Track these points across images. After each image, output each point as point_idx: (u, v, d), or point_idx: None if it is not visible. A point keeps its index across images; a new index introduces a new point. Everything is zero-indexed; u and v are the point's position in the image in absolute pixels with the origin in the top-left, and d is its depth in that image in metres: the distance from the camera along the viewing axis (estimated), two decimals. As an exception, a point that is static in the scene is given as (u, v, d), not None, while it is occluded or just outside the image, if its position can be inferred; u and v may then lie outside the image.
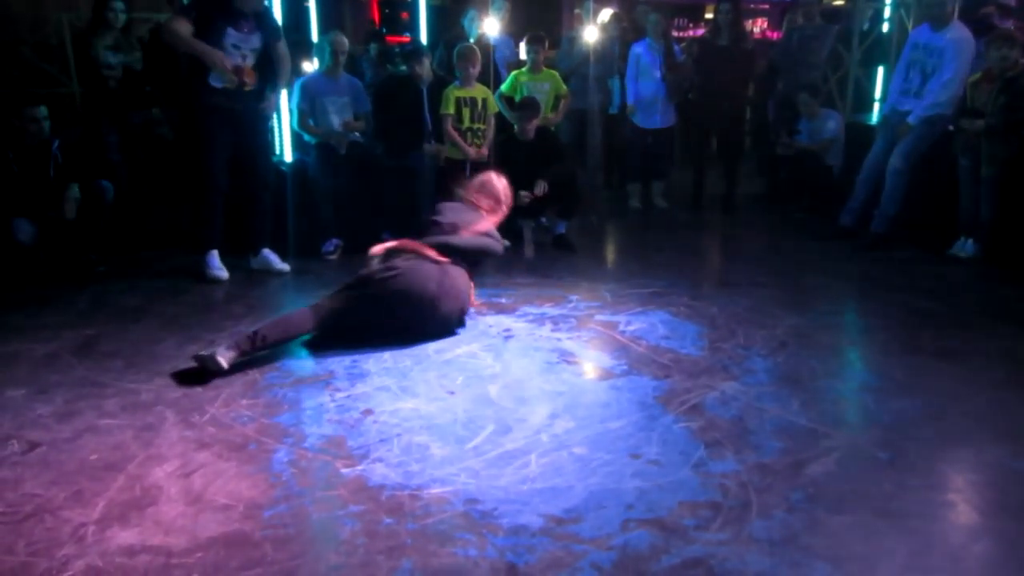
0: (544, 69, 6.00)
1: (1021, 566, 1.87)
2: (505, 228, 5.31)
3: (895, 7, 6.63)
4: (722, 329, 3.60)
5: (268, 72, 4.37)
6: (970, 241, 4.87)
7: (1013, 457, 2.40)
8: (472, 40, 6.03)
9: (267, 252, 4.64)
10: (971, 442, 2.53)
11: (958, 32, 4.89)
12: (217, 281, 4.37)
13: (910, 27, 6.12)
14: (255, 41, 4.26)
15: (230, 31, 4.12)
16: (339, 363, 3.22)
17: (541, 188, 5.11)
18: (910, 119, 4.96)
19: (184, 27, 3.99)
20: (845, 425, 2.62)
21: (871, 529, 2.02)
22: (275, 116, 5.20)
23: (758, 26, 12.02)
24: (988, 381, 3.02)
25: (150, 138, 5.66)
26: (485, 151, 5.30)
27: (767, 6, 12.35)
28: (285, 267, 4.65)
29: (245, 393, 2.90)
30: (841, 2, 9.33)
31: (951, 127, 4.98)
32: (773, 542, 1.96)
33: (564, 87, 6.02)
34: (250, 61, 4.26)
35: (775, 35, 10.74)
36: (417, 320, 3.41)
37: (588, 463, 2.37)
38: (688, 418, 2.68)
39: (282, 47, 4.43)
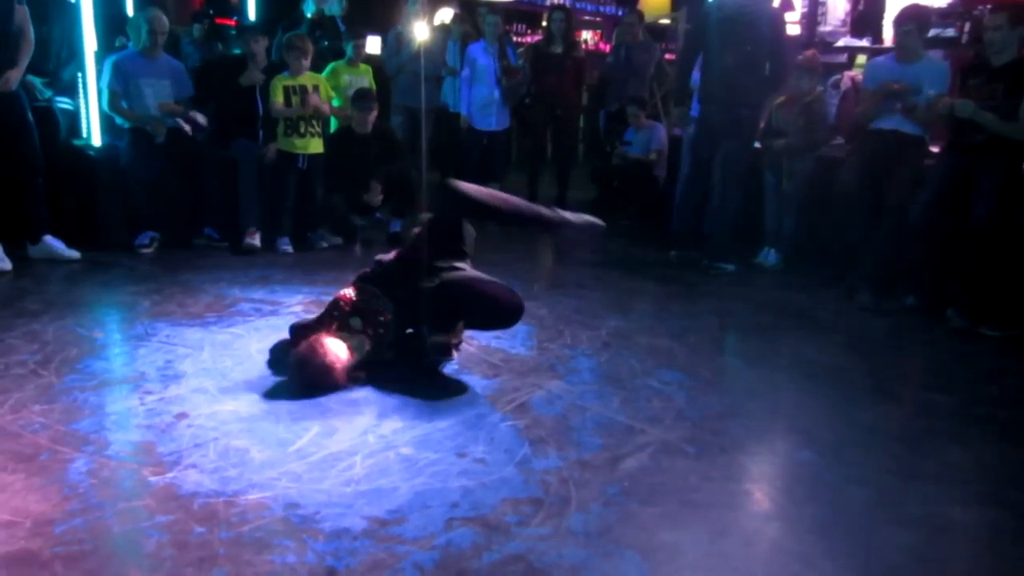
0: (361, 64, 5.90)
1: (802, 543, 2.07)
2: (340, 224, 5.22)
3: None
4: (550, 329, 3.72)
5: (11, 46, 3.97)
6: (773, 251, 5.32)
7: (799, 449, 2.66)
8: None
9: (49, 239, 4.27)
10: (765, 436, 2.78)
11: None
12: None
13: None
14: None
15: None
16: (151, 364, 3.01)
17: (375, 192, 5.04)
18: None
19: None
20: (658, 422, 2.77)
21: (677, 519, 2.16)
22: (83, 94, 4.79)
23: (592, 37, 12.50)
24: (782, 380, 3.32)
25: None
26: (317, 99, 5.01)
27: (599, 19, 12.88)
28: (74, 254, 4.29)
29: (38, 398, 2.64)
30: (667, 22, 9.92)
31: (758, 144, 5.42)
32: (589, 535, 2.05)
33: (374, 83, 5.92)
34: None
35: (607, 48, 11.22)
36: None
37: (414, 463, 2.36)
38: (515, 416, 2.74)
39: (20, 14, 4.01)
